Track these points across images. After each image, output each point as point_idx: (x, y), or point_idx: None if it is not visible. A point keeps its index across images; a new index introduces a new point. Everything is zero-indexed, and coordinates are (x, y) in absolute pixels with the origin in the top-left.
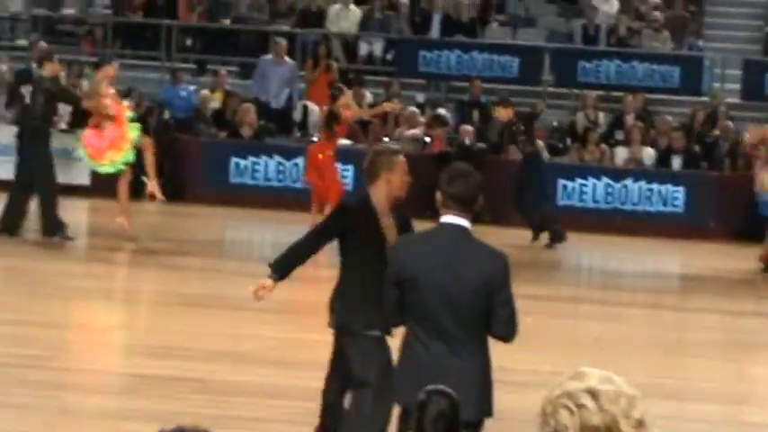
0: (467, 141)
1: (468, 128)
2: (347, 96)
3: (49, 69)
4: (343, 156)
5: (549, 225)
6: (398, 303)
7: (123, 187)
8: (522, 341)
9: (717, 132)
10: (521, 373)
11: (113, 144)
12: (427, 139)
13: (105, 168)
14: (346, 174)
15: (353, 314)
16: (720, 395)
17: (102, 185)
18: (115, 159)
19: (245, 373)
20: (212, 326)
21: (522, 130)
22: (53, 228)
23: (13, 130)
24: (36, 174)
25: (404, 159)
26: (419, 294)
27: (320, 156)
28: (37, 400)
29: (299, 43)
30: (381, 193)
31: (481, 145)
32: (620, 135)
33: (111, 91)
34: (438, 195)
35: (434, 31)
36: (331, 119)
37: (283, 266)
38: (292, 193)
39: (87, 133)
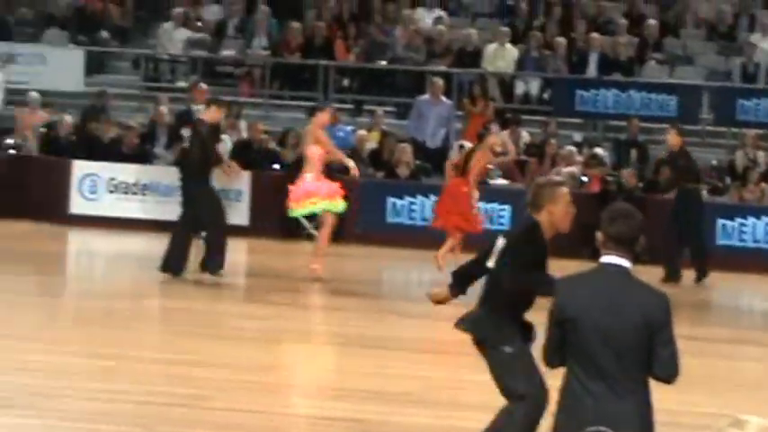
0: (626, 182)
1: (630, 170)
2: (494, 137)
3: (210, 114)
4: (500, 195)
5: (698, 262)
6: (560, 344)
7: (324, 233)
8: (681, 382)
9: None
10: (681, 414)
11: (314, 193)
12: (584, 179)
13: (299, 212)
14: (503, 214)
15: (492, 329)
16: None
17: (261, 225)
18: (307, 206)
19: (405, 413)
20: (371, 366)
21: (684, 165)
22: (214, 265)
23: (174, 170)
24: (204, 214)
25: (567, 191)
26: (579, 335)
27: (463, 189)
28: None
29: (456, 83)
30: (545, 224)
31: (641, 185)
32: None
33: (326, 140)
34: (599, 235)
35: (591, 70)
36: (466, 161)
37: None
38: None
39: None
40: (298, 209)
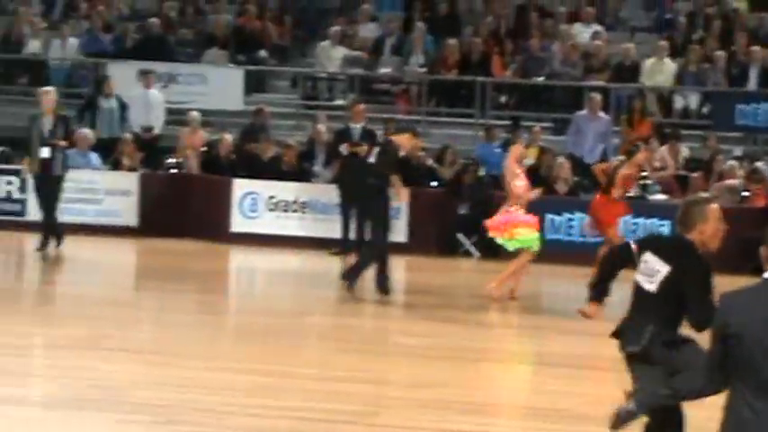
0: None
1: None
2: (642, 155)
3: (402, 140)
4: (659, 210)
5: None
6: (722, 360)
7: (517, 264)
8: None
9: None
10: None
11: (516, 223)
12: (746, 193)
13: (504, 241)
14: (662, 229)
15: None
16: None
17: (419, 242)
18: (513, 236)
19: (563, 431)
20: (530, 382)
21: None
22: (351, 276)
23: (333, 188)
24: (372, 230)
25: (717, 207)
26: (743, 351)
27: (604, 208)
28: None
29: (614, 98)
30: (696, 243)
31: None
32: None
33: (520, 172)
34: (763, 250)
35: (752, 84)
36: (611, 177)
37: None
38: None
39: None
40: (500, 236)
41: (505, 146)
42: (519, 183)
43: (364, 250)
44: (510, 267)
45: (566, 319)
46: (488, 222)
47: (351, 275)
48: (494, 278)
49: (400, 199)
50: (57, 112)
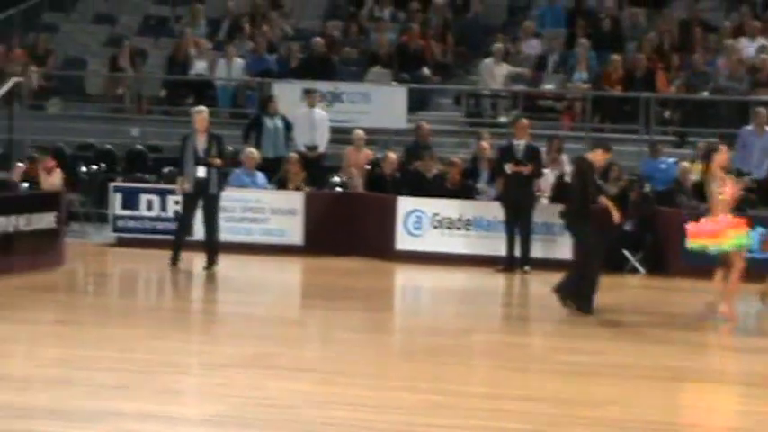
0: None
1: None
2: None
3: (595, 155)
4: None
5: None
6: None
7: (734, 276)
8: None
9: None
10: None
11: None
12: None
13: (697, 245)
14: None
15: None
16: None
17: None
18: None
19: None
20: (697, 400)
21: None
22: (585, 305)
23: (497, 205)
24: (585, 252)
25: None
26: None
27: None
28: None
29: None
30: None
31: None
32: None
33: (726, 178)
34: None
35: None
36: None
37: None
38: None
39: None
40: (697, 242)
41: (707, 155)
42: (719, 189)
43: (581, 273)
44: (731, 284)
45: (732, 335)
46: (690, 227)
47: (579, 300)
48: (658, 294)
49: (615, 219)
50: (209, 131)
